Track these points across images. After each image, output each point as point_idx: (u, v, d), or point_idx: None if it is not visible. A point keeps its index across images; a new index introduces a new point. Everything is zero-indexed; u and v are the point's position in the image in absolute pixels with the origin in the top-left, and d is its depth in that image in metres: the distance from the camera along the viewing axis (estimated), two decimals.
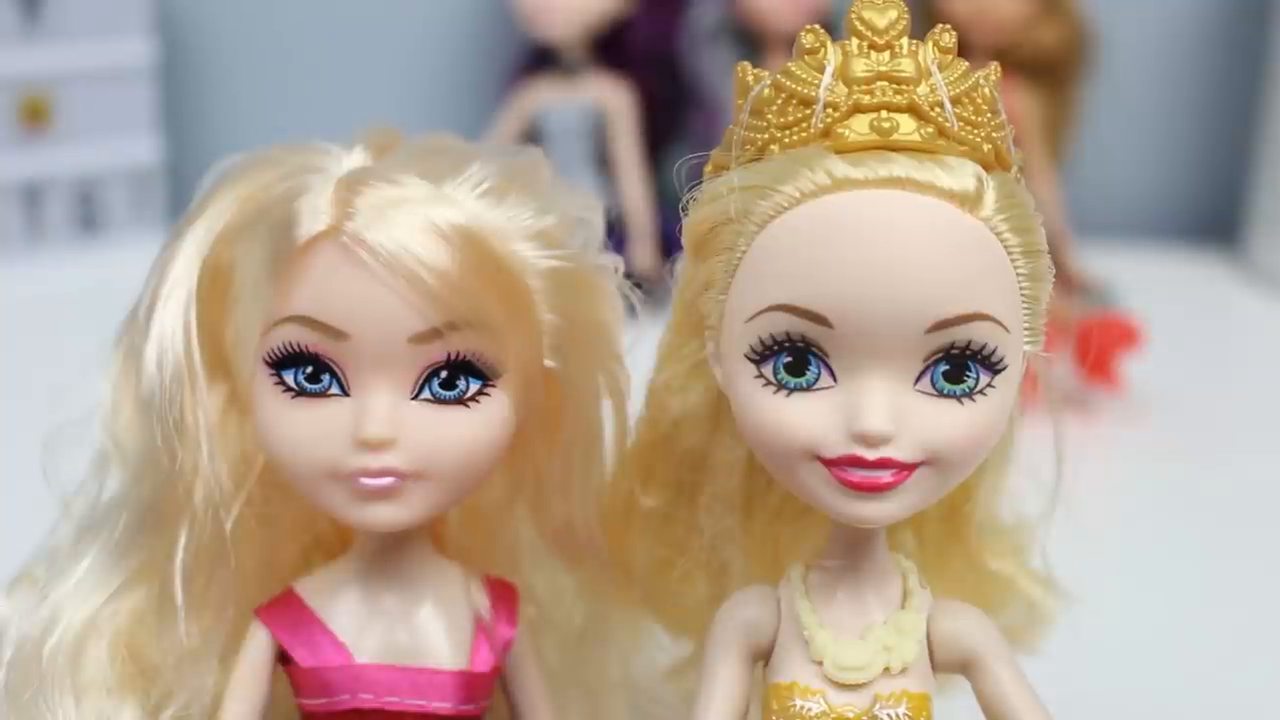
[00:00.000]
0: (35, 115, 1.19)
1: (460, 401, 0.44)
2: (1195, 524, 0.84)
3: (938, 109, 0.40)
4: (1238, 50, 1.33)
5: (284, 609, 0.47)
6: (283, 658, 0.47)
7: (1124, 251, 1.24)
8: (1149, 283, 1.12)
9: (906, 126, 0.40)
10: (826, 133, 0.40)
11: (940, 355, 0.40)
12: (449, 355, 0.44)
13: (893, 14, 0.41)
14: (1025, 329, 0.42)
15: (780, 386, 0.41)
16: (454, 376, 0.44)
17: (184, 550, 0.46)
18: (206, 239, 0.46)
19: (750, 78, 0.43)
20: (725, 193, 0.41)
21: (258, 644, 0.47)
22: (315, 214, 0.43)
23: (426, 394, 0.44)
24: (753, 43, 1.20)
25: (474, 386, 0.44)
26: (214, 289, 0.46)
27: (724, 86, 1.18)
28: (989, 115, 0.41)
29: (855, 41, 0.41)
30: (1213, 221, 1.35)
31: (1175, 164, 1.36)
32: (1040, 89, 1.10)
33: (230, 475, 0.47)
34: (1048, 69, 1.10)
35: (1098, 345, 0.95)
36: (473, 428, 0.45)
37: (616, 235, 1.11)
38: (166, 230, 0.48)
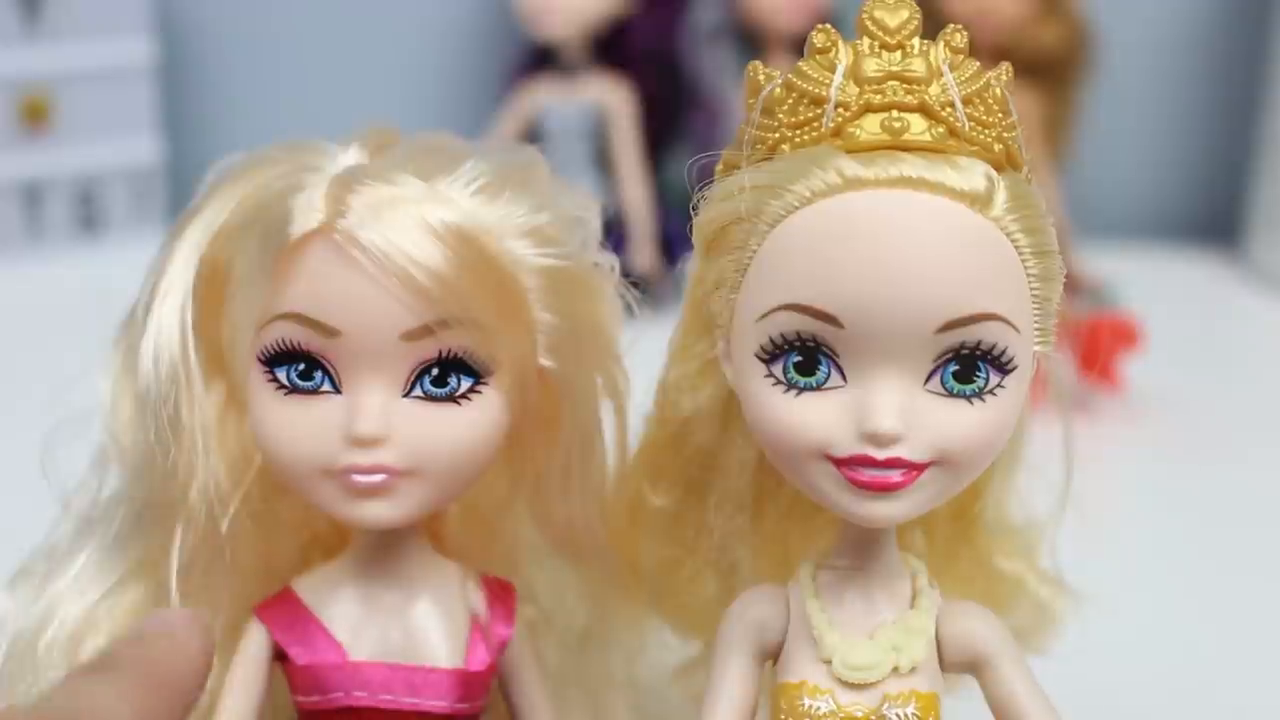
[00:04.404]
0: (35, 115, 1.19)
1: (452, 399, 0.44)
2: (1195, 524, 0.84)
3: (949, 109, 0.40)
4: (1238, 50, 1.33)
5: (281, 607, 0.47)
6: (280, 655, 0.47)
7: (1124, 251, 1.24)
8: (1149, 283, 1.12)
9: (917, 126, 0.40)
10: (838, 132, 0.41)
11: (950, 355, 0.40)
12: (440, 352, 0.44)
13: (904, 14, 0.41)
14: (1035, 329, 0.42)
15: (790, 386, 0.41)
16: (445, 374, 0.44)
17: (180, 547, 0.46)
18: (204, 237, 0.46)
19: (762, 77, 0.43)
20: (736, 192, 0.41)
21: (255, 642, 0.47)
22: (309, 211, 0.43)
23: (418, 391, 0.44)
24: (753, 42, 1.20)
25: (465, 384, 0.44)
26: (211, 287, 0.46)
27: (724, 86, 1.18)
28: (1000, 115, 0.41)
29: (867, 41, 0.41)
30: (1213, 221, 1.35)
31: (1175, 164, 1.36)
32: (1040, 89, 1.10)
33: (228, 473, 0.47)
34: (1048, 69, 1.10)
35: (1098, 345, 0.95)
36: (464, 425, 0.45)
37: (616, 235, 1.12)
38: (166, 230, 0.48)
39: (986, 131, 0.41)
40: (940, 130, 0.40)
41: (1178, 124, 1.36)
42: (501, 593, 0.48)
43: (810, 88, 0.41)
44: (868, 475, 0.40)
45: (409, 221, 0.43)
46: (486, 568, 0.50)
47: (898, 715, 0.43)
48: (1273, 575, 0.77)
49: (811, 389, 0.41)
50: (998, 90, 0.42)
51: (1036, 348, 0.42)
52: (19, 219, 1.21)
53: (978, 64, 0.42)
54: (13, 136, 1.19)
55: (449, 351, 0.44)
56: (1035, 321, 0.42)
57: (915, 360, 0.40)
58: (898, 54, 0.41)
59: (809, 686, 0.43)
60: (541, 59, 1.19)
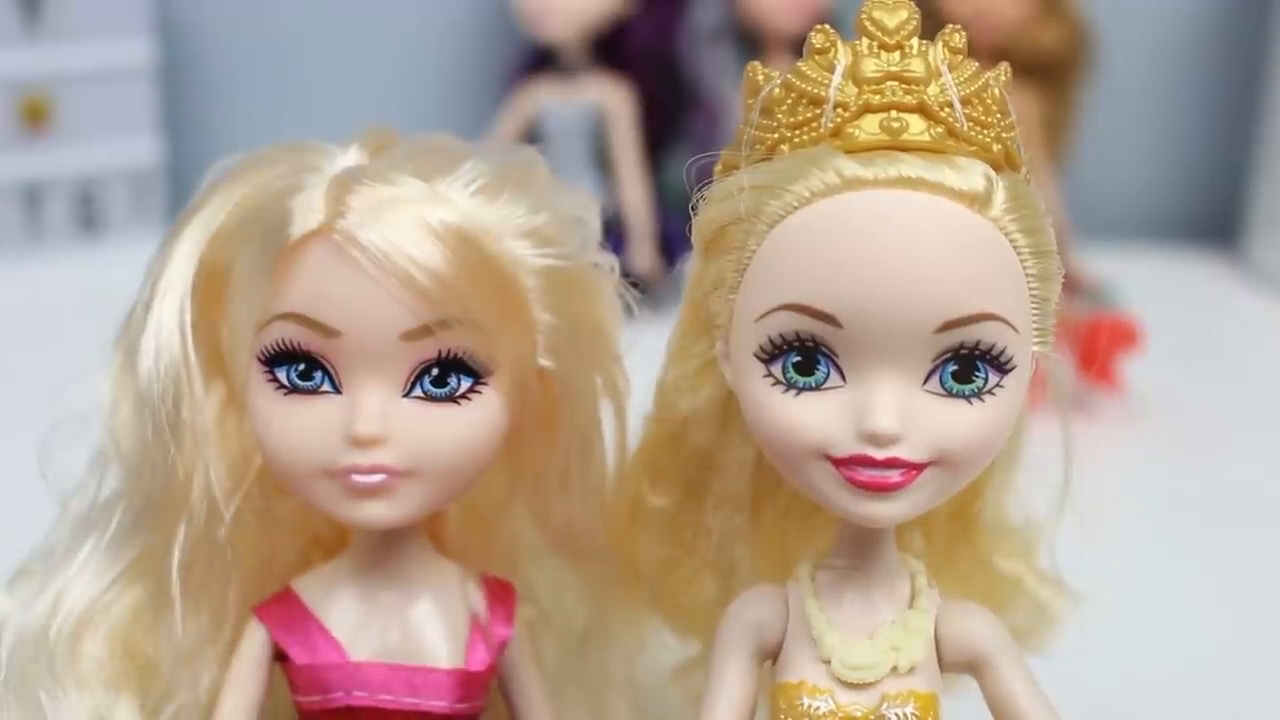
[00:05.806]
0: (35, 115, 1.19)
1: (452, 399, 0.44)
2: (1195, 524, 0.84)
3: (947, 109, 0.40)
4: (1238, 50, 1.33)
5: (281, 607, 0.47)
6: (280, 655, 0.47)
7: (1124, 251, 1.24)
8: (1149, 283, 1.12)
9: (916, 126, 0.40)
10: (836, 132, 0.41)
11: (949, 355, 0.40)
12: (440, 352, 0.44)
13: (903, 14, 0.41)
14: (1034, 329, 0.42)
15: (789, 386, 0.41)
16: (445, 374, 0.44)
17: (181, 547, 0.46)
18: (203, 237, 0.46)
19: (760, 77, 0.43)
20: (735, 192, 0.42)
21: (255, 641, 0.47)
22: (308, 212, 0.43)
23: (418, 391, 0.44)
24: (753, 43, 1.20)
25: (465, 384, 0.45)
26: (210, 287, 0.46)
27: (724, 87, 1.18)
28: (999, 116, 0.41)
29: (865, 41, 0.41)
30: (1213, 221, 1.35)
31: (1175, 164, 1.36)
32: (1040, 89, 1.10)
33: (228, 473, 0.47)
34: (1048, 69, 1.10)
35: (1097, 345, 0.94)
36: (464, 425, 0.45)
37: (616, 235, 1.12)
38: (166, 231, 0.48)
39: (985, 132, 0.41)
40: (939, 130, 0.40)
41: (1177, 124, 1.36)
42: (501, 593, 0.49)
43: (809, 88, 0.41)
44: (866, 475, 0.40)
45: (408, 222, 0.43)
46: (486, 568, 0.50)
47: (897, 715, 0.43)
48: (1272, 575, 0.77)
49: (810, 389, 0.41)
50: (996, 90, 0.42)
51: (1035, 348, 0.42)
52: (19, 219, 1.21)
53: (976, 64, 0.42)
54: (13, 137, 1.19)
55: (449, 352, 0.44)
56: (1034, 321, 0.42)
57: (914, 360, 0.40)
58: (896, 54, 0.41)
59: (808, 686, 0.43)
60: (541, 60, 1.19)
